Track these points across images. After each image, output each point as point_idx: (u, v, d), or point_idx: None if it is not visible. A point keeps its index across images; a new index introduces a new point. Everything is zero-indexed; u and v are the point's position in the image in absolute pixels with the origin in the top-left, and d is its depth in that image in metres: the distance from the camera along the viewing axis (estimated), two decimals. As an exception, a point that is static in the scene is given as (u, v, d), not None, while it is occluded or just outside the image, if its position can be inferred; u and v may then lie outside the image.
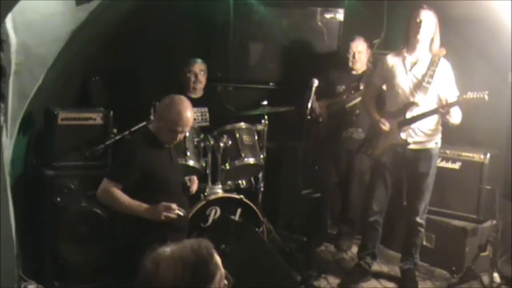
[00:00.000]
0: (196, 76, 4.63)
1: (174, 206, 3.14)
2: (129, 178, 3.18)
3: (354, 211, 4.94)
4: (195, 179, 3.62)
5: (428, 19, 3.93)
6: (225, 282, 1.67)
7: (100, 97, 4.75)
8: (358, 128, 4.74)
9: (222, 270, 1.65)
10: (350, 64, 4.74)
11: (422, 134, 4.07)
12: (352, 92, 4.71)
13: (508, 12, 4.04)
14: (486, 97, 3.70)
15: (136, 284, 1.62)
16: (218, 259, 1.65)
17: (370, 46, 4.85)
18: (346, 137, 4.80)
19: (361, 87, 4.65)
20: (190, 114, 3.23)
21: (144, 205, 3.14)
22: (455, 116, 3.91)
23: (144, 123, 3.68)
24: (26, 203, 3.91)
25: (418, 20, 3.93)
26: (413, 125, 4.02)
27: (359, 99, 4.60)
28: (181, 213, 3.17)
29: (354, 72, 4.77)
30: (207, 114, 4.69)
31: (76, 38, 3.66)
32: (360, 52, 4.71)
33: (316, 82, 4.26)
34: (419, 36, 3.95)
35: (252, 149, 4.39)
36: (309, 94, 4.21)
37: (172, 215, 3.14)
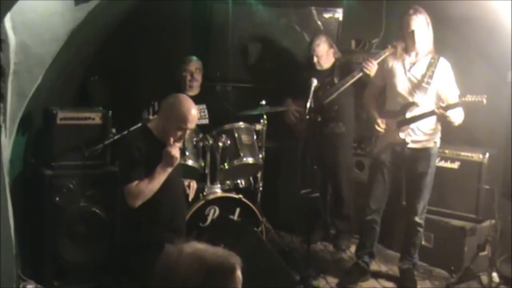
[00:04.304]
0: (192, 74, 4.61)
1: (171, 147, 3.13)
2: (143, 173, 3.15)
3: (347, 207, 4.94)
4: (194, 186, 3.61)
5: (420, 26, 3.95)
6: None
7: (99, 96, 4.75)
8: (338, 122, 4.77)
9: None
10: (317, 66, 4.77)
11: (421, 134, 4.08)
12: (328, 87, 4.68)
13: (507, 11, 4.05)
14: (485, 101, 3.71)
15: (157, 262, 1.65)
16: (239, 276, 1.63)
17: (332, 44, 4.82)
18: (328, 133, 4.77)
19: (336, 81, 4.64)
20: (195, 111, 3.25)
21: (157, 168, 3.13)
22: (455, 117, 3.91)
23: (141, 123, 3.66)
24: (25, 203, 3.91)
25: (410, 31, 3.96)
26: (412, 125, 4.03)
27: (335, 94, 4.58)
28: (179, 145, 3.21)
29: (323, 69, 4.78)
30: (206, 111, 4.69)
31: (75, 37, 3.65)
32: (321, 57, 4.74)
33: (315, 82, 4.27)
34: (416, 45, 3.99)
35: (251, 148, 4.38)
36: (308, 94, 4.21)
37: (176, 151, 3.14)
